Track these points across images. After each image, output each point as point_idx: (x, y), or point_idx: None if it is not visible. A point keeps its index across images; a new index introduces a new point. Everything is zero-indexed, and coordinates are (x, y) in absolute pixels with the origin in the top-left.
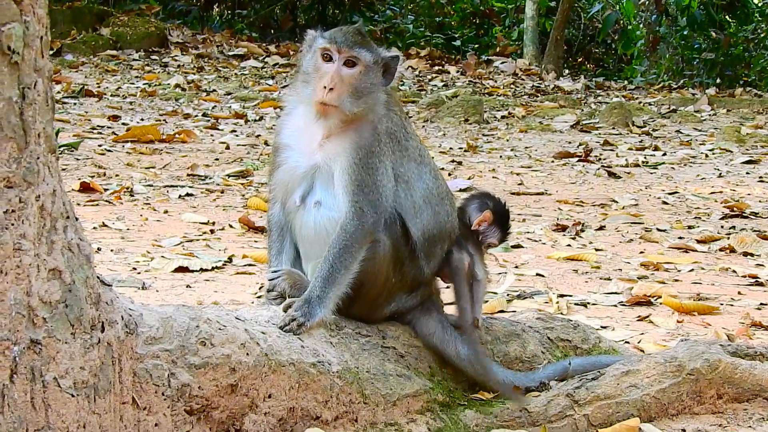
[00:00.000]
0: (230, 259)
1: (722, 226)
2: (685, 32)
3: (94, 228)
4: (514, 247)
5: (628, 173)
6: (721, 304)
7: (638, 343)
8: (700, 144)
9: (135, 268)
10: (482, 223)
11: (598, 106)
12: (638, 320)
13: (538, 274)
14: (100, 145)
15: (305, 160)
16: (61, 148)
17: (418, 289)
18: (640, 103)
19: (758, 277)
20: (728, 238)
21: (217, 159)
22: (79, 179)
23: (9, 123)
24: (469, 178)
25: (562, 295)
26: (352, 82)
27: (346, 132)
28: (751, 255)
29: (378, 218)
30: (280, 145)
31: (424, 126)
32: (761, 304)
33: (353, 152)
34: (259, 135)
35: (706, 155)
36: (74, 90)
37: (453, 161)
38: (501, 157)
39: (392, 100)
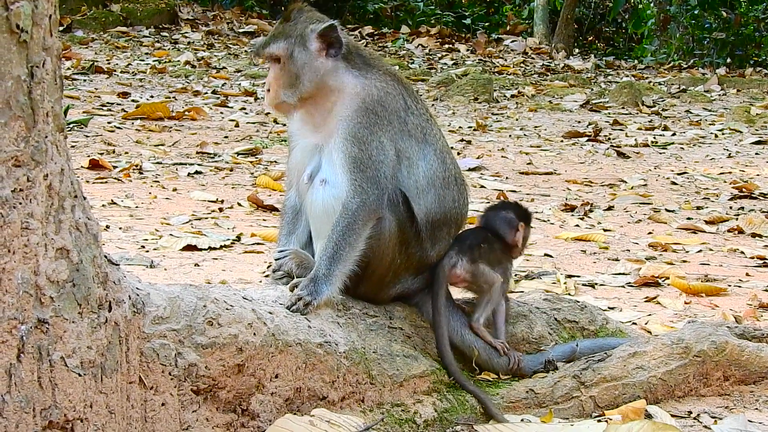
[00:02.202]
0: (239, 238)
1: (731, 207)
2: (696, 11)
3: (103, 206)
4: None
5: (637, 153)
6: (729, 286)
7: (645, 324)
8: (710, 124)
9: (143, 246)
10: (522, 232)
11: (608, 85)
12: (646, 301)
13: (546, 255)
14: (109, 122)
15: (310, 140)
16: (71, 125)
17: (424, 272)
18: (650, 82)
19: (766, 259)
20: (737, 219)
21: (226, 137)
22: (89, 156)
23: (17, 102)
24: (478, 158)
25: (570, 276)
26: (281, 76)
27: (335, 106)
28: (760, 236)
29: (380, 194)
30: (292, 132)
31: (433, 104)
32: None
33: (343, 125)
34: (269, 113)
35: (716, 135)
36: (84, 66)
37: (462, 140)
38: (510, 136)
39: (379, 71)
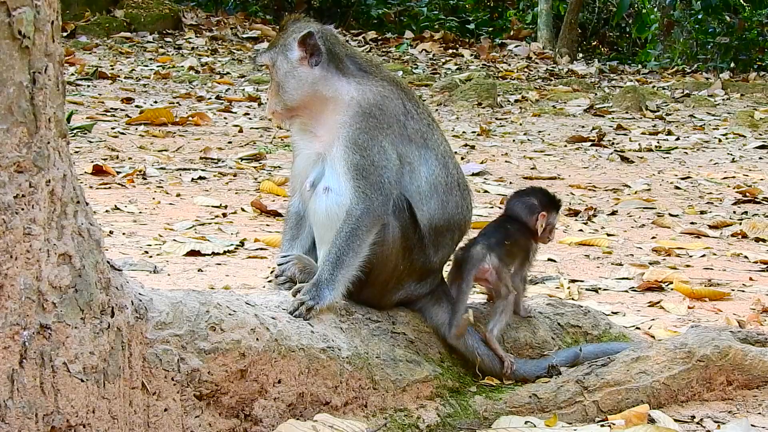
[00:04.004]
0: (242, 243)
1: (734, 212)
2: (700, 16)
3: (107, 211)
4: None
5: (641, 158)
6: (732, 290)
7: (649, 329)
8: (714, 129)
9: (147, 252)
10: (543, 222)
11: (612, 90)
12: (649, 306)
13: (549, 259)
14: (113, 128)
15: (312, 149)
16: (75, 131)
17: (427, 278)
18: (653, 87)
19: None
20: (740, 224)
21: (230, 142)
22: (92, 162)
23: (19, 108)
24: (482, 162)
25: (573, 281)
26: (272, 86)
27: (332, 114)
28: (763, 241)
29: (385, 200)
30: (295, 140)
31: (437, 110)
32: None
33: (342, 133)
34: (271, 119)
35: (719, 140)
36: (88, 72)
37: (466, 145)
38: (514, 141)
39: (375, 76)
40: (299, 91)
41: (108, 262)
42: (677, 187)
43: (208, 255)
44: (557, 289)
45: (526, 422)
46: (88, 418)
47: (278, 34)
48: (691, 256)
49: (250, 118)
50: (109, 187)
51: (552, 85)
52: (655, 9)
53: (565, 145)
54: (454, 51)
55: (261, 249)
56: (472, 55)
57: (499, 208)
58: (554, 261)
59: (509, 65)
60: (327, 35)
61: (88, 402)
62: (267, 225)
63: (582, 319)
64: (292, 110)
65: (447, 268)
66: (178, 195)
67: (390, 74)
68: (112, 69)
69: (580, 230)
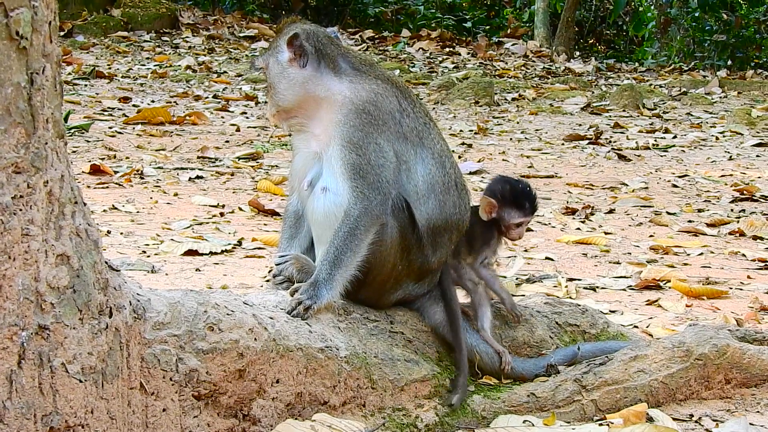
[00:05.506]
0: (240, 243)
1: (732, 210)
2: (697, 14)
3: (104, 211)
4: None
5: (639, 156)
6: (730, 288)
7: (647, 327)
8: (711, 127)
9: (144, 251)
10: (491, 211)
11: (609, 88)
12: (647, 304)
13: (547, 258)
14: (110, 127)
15: (310, 148)
16: (72, 130)
17: (425, 278)
18: (650, 85)
19: (767, 261)
20: (738, 222)
21: (227, 141)
22: (90, 161)
23: (17, 108)
24: (479, 161)
25: (571, 279)
26: (267, 88)
27: (327, 113)
28: (761, 239)
29: (383, 199)
30: (294, 140)
31: (434, 108)
32: None
33: (337, 132)
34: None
35: (717, 138)
36: (85, 71)
37: (463, 144)
38: (511, 139)
39: (368, 74)
40: (291, 92)
41: (106, 263)
42: (675, 185)
43: (206, 254)
44: (555, 288)
45: (524, 421)
46: (87, 418)
47: (273, 39)
48: (688, 255)
49: (247, 117)
50: (107, 187)
51: (549, 83)
52: (652, 7)
53: (563, 144)
54: (451, 49)
55: (259, 248)
56: (469, 53)
57: None
58: (552, 260)
59: (506, 63)
60: (318, 36)
61: (87, 402)
62: (264, 224)
63: (580, 318)
64: (288, 111)
65: None
66: (176, 194)
67: (385, 72)
68: (110, 68)
69: (578, 229)
